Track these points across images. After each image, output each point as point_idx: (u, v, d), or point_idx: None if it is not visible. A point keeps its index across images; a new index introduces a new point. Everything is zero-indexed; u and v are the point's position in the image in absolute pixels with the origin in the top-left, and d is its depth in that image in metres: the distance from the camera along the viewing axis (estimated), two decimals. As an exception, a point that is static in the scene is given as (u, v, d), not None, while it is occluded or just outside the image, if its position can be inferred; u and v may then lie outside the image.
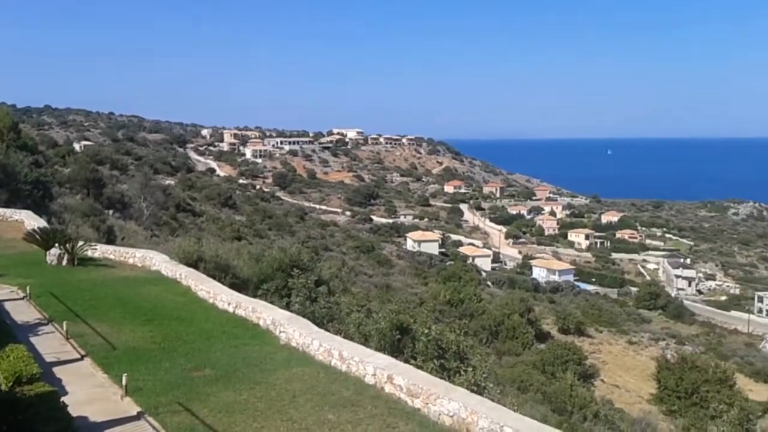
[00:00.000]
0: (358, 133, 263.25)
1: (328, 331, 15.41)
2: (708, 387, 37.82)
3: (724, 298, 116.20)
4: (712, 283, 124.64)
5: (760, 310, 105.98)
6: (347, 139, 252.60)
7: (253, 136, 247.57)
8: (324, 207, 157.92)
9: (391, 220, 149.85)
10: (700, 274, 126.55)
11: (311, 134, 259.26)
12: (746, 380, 51.79)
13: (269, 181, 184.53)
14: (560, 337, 52.21)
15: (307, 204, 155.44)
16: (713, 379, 38.71)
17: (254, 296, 18.69)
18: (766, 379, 56.17)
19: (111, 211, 46.73)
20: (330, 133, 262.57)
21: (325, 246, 73.56)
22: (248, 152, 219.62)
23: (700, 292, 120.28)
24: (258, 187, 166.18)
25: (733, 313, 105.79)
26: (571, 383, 25.61)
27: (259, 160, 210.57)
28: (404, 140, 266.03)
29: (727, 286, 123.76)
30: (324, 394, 11.80)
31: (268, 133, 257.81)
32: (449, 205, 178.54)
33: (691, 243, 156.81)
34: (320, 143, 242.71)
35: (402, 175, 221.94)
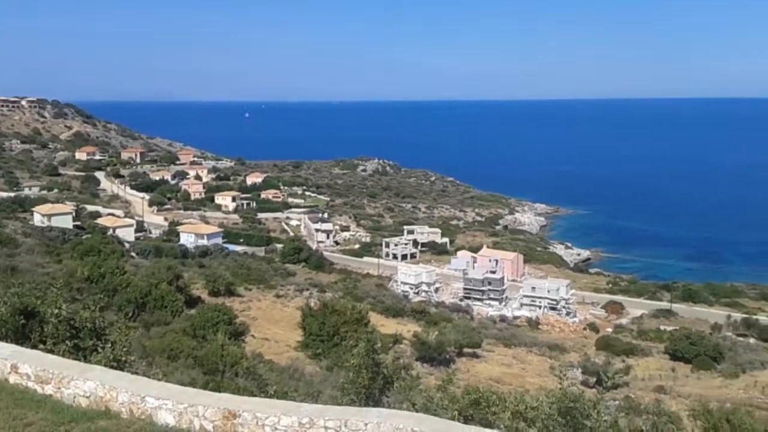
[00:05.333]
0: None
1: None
2: (347, 327, 41.97)
3: (357, 246, 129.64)
4: (346, 234, 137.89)
5: (387, 254, 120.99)
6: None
7: None
8: None
9: (13, 194, 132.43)
10: (337, 227, 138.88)
11: None
12: (379, 317, 58.77)
13: None
14: (211, 300, 52.40)
15: None
16: (351, 320, 43.14)
17: None
18: (395, 314, 64.56)
19: None
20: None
21: (-75, 229, 61.66)
22: None
23: (337, 243, 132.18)
24: None
25: (366, 258, 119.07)
26: (222, 343, 25.91)
27: None
28: (24, 102, 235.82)
29: (360, 235, 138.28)
30: (-70, 400, 10.05)
31: None
32: (83, 174, 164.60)
33: (328, 198, 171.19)
34: None
35: (23, 142, 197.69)
